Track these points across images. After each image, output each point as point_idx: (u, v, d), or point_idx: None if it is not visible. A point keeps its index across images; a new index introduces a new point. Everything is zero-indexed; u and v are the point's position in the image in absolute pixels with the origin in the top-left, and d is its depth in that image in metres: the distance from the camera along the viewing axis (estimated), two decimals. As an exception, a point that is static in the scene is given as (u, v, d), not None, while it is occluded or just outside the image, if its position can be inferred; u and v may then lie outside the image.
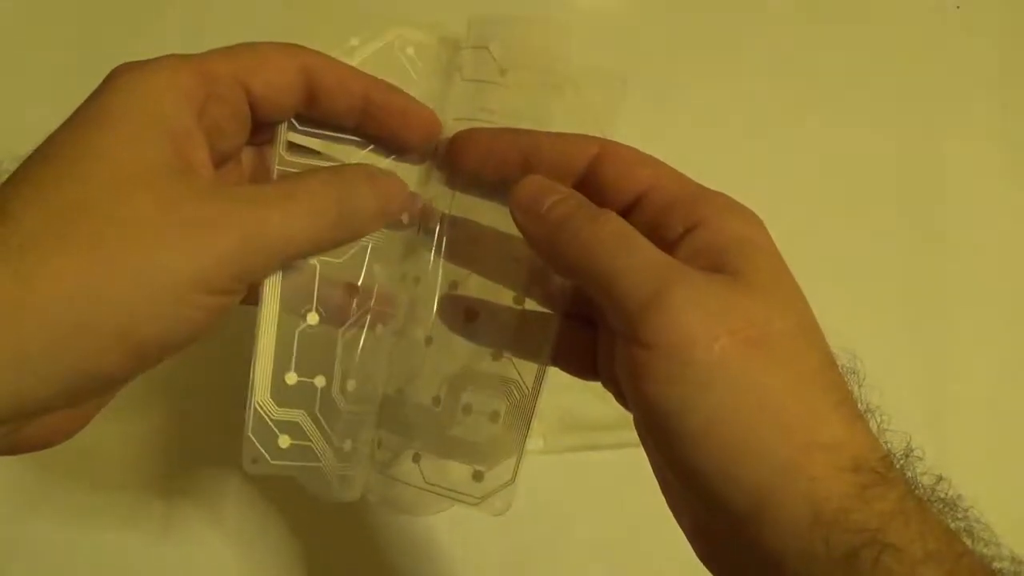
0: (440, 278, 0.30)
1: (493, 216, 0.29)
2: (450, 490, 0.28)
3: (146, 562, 0.43)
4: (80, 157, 0.21)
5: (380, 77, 0.27)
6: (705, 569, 0.24)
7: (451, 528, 0.43)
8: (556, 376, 0.29)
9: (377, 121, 0.27)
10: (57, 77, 0.46)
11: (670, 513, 0.25)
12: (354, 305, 0.29)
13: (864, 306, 0.48)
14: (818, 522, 0.20)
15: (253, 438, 0.26)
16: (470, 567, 0.44)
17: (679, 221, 0.25)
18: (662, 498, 0.26)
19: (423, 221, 0.30)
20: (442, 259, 0.30)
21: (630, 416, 0.25)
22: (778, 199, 0.49)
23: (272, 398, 0.27)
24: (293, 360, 0.27)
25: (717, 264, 0.23)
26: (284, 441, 0.27)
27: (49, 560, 0.43)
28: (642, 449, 0.25)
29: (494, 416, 0.28)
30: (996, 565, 0.21)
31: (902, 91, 0.51)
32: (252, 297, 0.26)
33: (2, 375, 0.19)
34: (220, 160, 0.26)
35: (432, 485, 0.29)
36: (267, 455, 0.27)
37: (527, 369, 0.28)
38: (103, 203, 0.20)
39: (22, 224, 0.20)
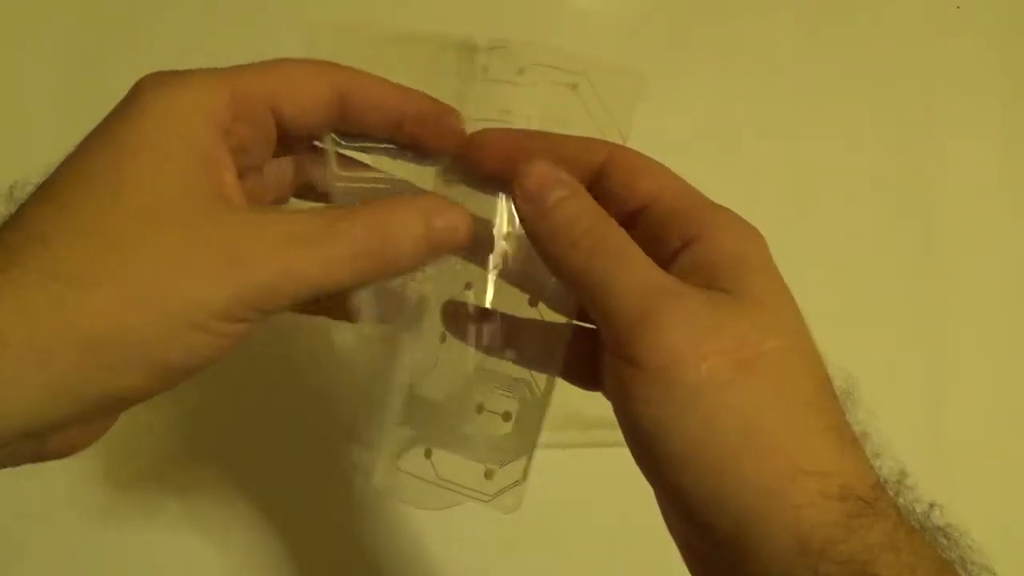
0: (455, 276, 0.30)
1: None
2: (462, 486, 0.29)
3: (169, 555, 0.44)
4: (116, 186, 0.21)
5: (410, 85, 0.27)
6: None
7: (448, 522, 0.44)
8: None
9: (411, 132, 0.27)
10: (58, 83, 0.46)
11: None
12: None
13: (864, 306, 0.48)
14: (805, 552, 0.20)
15: (377, 455, 0.28)
16: (471, 560, 0.44)
17: (678, 234, 0.24)
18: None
19: None
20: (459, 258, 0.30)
21: None
22: (777, 199, 0.50)
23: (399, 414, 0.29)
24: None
25: (711, 281, 0.23)
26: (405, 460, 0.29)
27: (74, 559, 0.43)
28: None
29: (506, 416, 0.29)
30: None
31: (902, 91, 0.51)
32: (311, 307, 0.25)
33: (32, 393, 0.20)
34: (242, 174, 0.25)
35: (444, 481, 0.29)
36: (389, 473, 0.28)
37: (540, 369, 0.29)
38: (139, 236, 0.21)
39: (59, 252, 0.20)
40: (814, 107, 0.51)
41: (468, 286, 0.30)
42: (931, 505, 0.23)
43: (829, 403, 0.22)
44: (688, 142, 0.46)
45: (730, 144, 0.49)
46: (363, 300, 0.27)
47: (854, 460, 0.22)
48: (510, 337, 0.29)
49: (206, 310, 0.21)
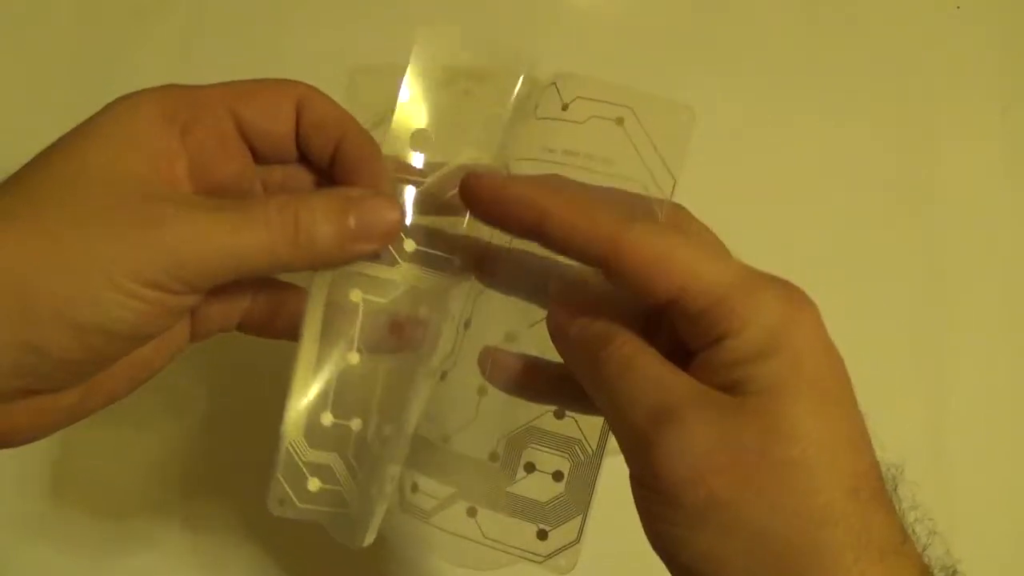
0: (493, 324, 0.29)
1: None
2: (513, 547, 0.28)
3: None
4: (56, 160, 0.23)
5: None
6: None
7: None
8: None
9: (341, 168, 0.26)
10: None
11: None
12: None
13: (864, 305, 0.48)
14: None
15: (282, 480, 0.26)
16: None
17: (703, 334, 0.23)
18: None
19: (478, 260, 0.28)
20: (496, 304, 0.29)
21: None
22: (777, 199, 0.50)
23: (305, 438, 0.26)
24: (330, 400, 0.26)
25: (730, 382, 0.22)
26: (313, 484, 0.26)
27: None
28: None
29: (558, 476, 0.28)
30: None
31: (902, 91, 0.51)
32: (293, 332, 0.26)
33: None
34: (225, 194, 0.26)
35: (493, 541, 0.28)
36: (295, 498, 0.26)
37: (591, 428, 0.28)
38: (64, 194, 0.22)
39: None
40: (814, 107, 0.50)
41: (511, 337, 0.29)
42: None
43: (850, 511, 0.21)
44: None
45: (730, 144, 0.49)
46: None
47: (881, 563, 0.20)
48: (556, 386, 0.28)
49: (119, 268, 0.22)
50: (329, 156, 0.27)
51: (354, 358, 0.27)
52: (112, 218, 0.22)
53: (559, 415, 0.28)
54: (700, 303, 0.22)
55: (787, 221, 0.48)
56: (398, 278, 0.27)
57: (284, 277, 0.28)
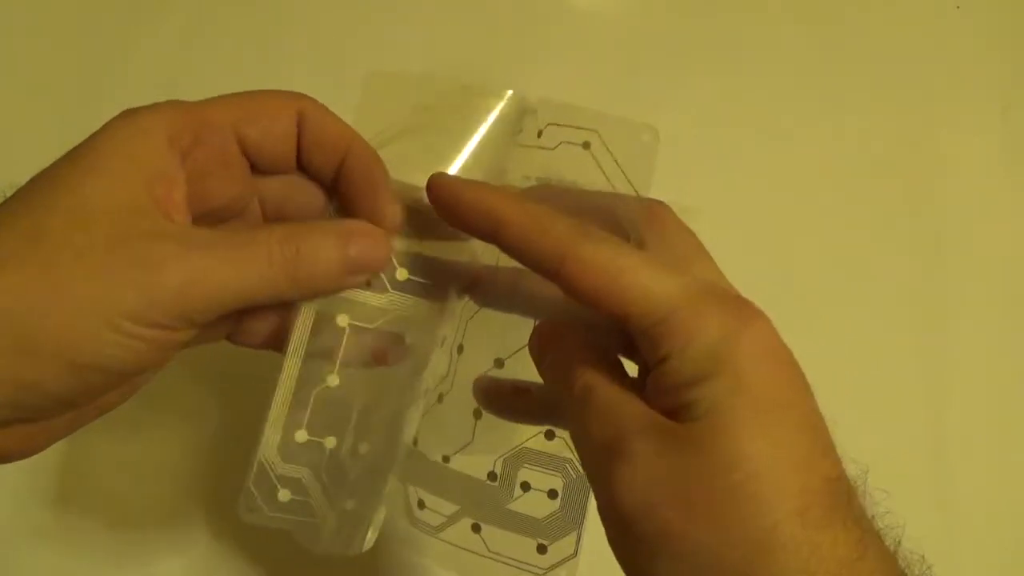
0: (484, 349, 0.30)
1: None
2: (514, 559, 0.29)
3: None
4: (54, 189, 0.23)
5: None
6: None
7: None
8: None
9: (345, 187, 0.27)
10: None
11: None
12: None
13: (863, 305, 0.48)
14: None
15: (253, 489, 0.27)
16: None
17: (651, 352, 0.23)
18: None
19: (473, 282, 0.30)
20: (487, 328, 0.30)
21: None
22: (777, 199, 0.50)
23: (279, 452, 0.27)
24: (306, 418, 0.27)
25: (675, 406, 0.22)
26: (284, 495, 0.28)
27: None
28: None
29: (552, 494, 0.29)
30: None
31: (902, 91, 0.51)
32: (279, 345, 0.27)
33: None
34: (223, 215, 0.26)
35: (496, 554, 0.30)
36: (264, 507, 0.27)
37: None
38: (64, 232, 0.22)
39: None
40: (814, 107, 0.51)
41: (499, 363, 0.30)
42: None
43: (798, 536, 0.20)
44: (688, 142, 0.46)
45: (730, 144, 0.49)
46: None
47: None
48: (545, 407, 0.29)
49: (121, 311, 0.22)
50: (331, 172, 0.27)
51: (334, 380, 0.28)
52: (113, 259, 0.22)
53: (549, 436, 0.29)
54: (645, 321, 0.22)
55: (787, 221, 0.49)
56: (387, 306, 0.28)
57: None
